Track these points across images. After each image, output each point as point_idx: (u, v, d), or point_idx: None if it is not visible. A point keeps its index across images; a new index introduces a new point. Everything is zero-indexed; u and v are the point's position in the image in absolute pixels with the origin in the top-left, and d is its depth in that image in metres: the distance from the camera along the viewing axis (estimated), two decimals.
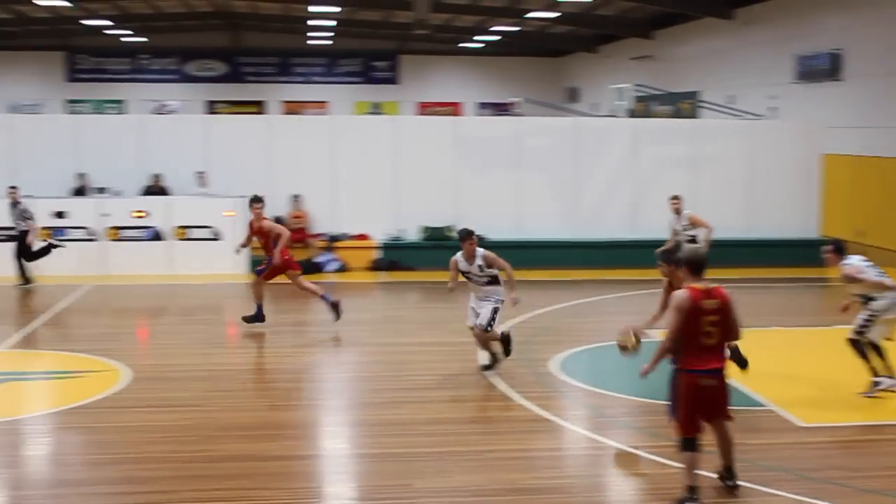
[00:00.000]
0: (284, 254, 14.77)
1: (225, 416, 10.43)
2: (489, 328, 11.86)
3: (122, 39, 45.24)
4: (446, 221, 21.15)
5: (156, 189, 20.70)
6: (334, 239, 21.03)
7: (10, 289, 18.16)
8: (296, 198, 20.91)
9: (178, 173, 20.63)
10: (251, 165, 20.82)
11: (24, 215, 18.42)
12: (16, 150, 20.70)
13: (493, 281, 11.94)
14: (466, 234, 11.90)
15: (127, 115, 38.18)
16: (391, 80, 48.20)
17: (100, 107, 44.71)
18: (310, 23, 40.86)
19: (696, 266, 7.96)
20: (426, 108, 45.13)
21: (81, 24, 40.60)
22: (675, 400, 7.90)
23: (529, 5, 33.52)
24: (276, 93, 46.45)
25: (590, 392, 11.33)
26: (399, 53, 47.71)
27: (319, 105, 45.55)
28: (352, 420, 10.66)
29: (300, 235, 20.84)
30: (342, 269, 20.47)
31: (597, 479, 8.97)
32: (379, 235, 21.22)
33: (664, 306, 9.80)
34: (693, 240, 15.67)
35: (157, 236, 19.91)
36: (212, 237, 19.57)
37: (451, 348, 13.50)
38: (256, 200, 15.07)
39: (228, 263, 18.66)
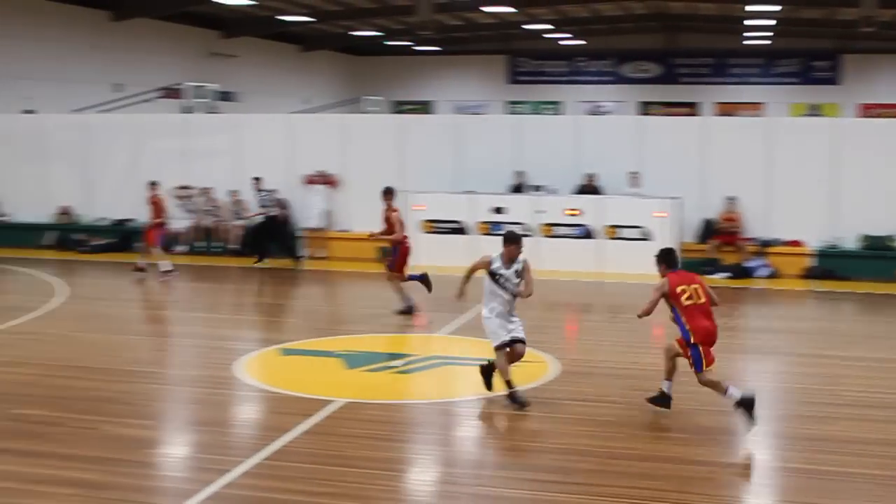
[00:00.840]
0: (403, 242, 15.67)
1: (648, 416, 10.44)
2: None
3: (560, 42, 46.65)
4: (890, 230, 19.91)
5: (589, 188, 21.15)
6: (765, 244, 20.42)
7: (448, 278, 19.28)
8: (730, 200, 20.51)
9: (611, 173, 20.95)
10: (684, 166, 20.75)
11: (273, 200, 21.15)
12: (461, 148, 22.01)
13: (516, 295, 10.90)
14: (517, 238, 10.92)
15: (563, 116, 39.37)
16: (831, 81, 46.03)
17: (537, 108, 46.42)
18: (746, 23, 39.97)
19: None
20: (869, 110, 42.66)
21: (523, 28, 42.32)
22: None
23: None
24: (709, 94, 45.90)
25: None
26: (841, 52, 45.41)
27: (753, 106, 44.45)
28: (779, 431, 10.28)
29: (731, 238, 20.46)
30: (773, 275, 19.82)
31: None
32: (813, 242, 20.35)
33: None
34: None
35: (588, 234, 20.36)
36: (642, 237, 19.66)
37: (890, 364, 12.69)
38: (387, 192, 15.79)
39: None
